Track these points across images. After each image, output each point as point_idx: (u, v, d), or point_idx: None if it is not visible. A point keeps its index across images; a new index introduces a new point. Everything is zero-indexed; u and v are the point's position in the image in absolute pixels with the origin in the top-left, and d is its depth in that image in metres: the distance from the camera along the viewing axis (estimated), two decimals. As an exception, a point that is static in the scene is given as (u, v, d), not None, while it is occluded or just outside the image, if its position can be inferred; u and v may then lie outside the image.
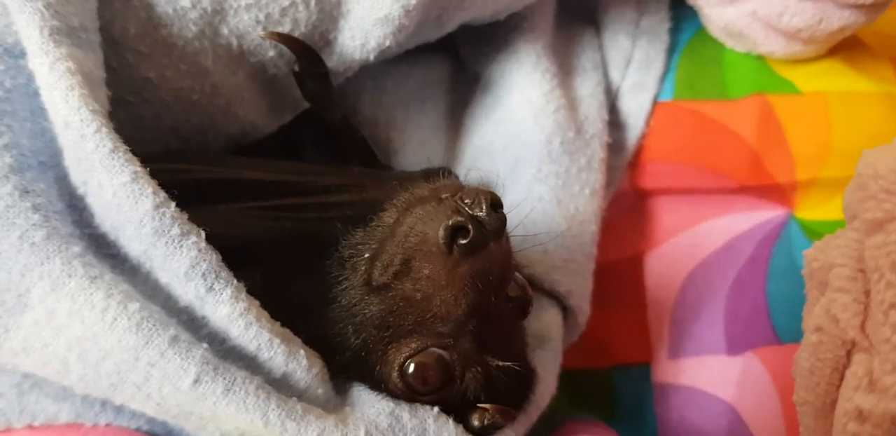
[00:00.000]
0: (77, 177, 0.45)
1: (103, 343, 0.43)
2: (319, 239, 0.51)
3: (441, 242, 0.44)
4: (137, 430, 0.51)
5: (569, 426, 0.61)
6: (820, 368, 0.41)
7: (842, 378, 0.40)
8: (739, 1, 0.67)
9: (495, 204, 0.45)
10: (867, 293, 0.39)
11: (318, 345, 0.48)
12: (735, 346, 0.65)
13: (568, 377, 0.67)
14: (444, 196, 0.46)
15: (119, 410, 0.50)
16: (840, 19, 0.65)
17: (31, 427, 0.50)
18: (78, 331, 0.43)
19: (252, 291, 0.46)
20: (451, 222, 0.44)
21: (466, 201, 0.45)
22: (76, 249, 0.43)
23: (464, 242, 0.44)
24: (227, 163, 0.57)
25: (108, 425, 0.50)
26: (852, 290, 0.39)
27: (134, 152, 0.45)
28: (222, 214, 0.53)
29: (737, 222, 0.69)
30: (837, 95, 0.69)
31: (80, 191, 0.46)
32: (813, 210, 0.67)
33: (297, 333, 0.47)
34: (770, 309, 0.66)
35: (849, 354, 0.39)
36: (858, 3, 0.64)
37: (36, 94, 0.46)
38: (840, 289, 0.40)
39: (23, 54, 0.46)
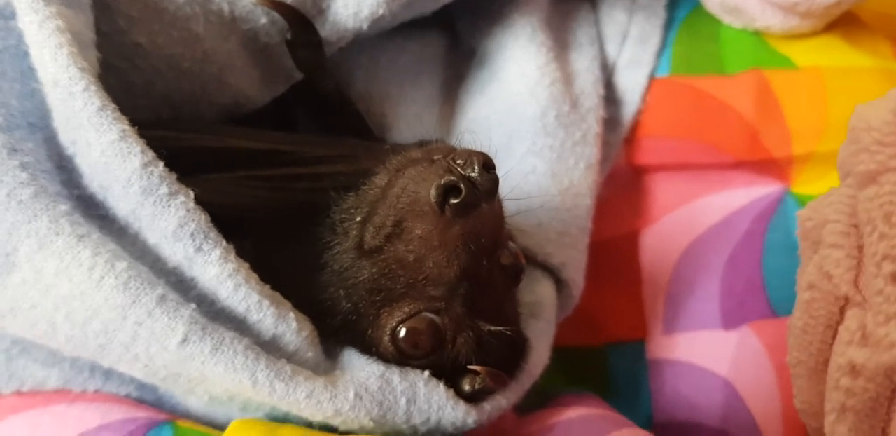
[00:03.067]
0: (65, 136, 0.45)
1: (90, 302, 0.42)
2: (312, 209, 0.51)
3: (433, 201, 0.44)
4: (126, 396, 0.51)
5: (561, 399, 0.61)
6: (813, 325, 0.40)
7: (835, 335, 0.40)
8: (736, -25, 0.67)
9: (487, 165, 0.45)
10: (860, 248, 0.38)
11: (310, 309, 0.48)
12: (731, 320, 0.65)
13: (563, 354, 0.67)
14: (436, 157, 0.46)
15: (108, 376, 0.50)
16: (837, -8, 0.65)
17: (19, 393, 0.50)
18: (65, 290, 0.42)
19: (243, 256, 0.46)
20: (442, 181, 0.44)
21: (459, 162, 0.45)
22: (64, 207, 0.43)
23: (456, 201, 0.44)
24: (220, 132, 0.57)
25: (96, 391, 0.51)
26: (845, 245, 0.39)
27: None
28: (214, 182, 0.53)
29: (733, 198, 0.68)
30: (834, 70, 0.68)
31: (69, 151, 0.45)
32: (809, 185, 0.67)
33: (287, 298, 0.47)
34: (766, 283, 0.65)
35: (842, 310, 0.39)
36: (855, -24, 0.64)
37: (26, 55, 0.46)
38: (833, 245, 0.39)
39: (13, 15, 0.46)
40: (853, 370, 0.37)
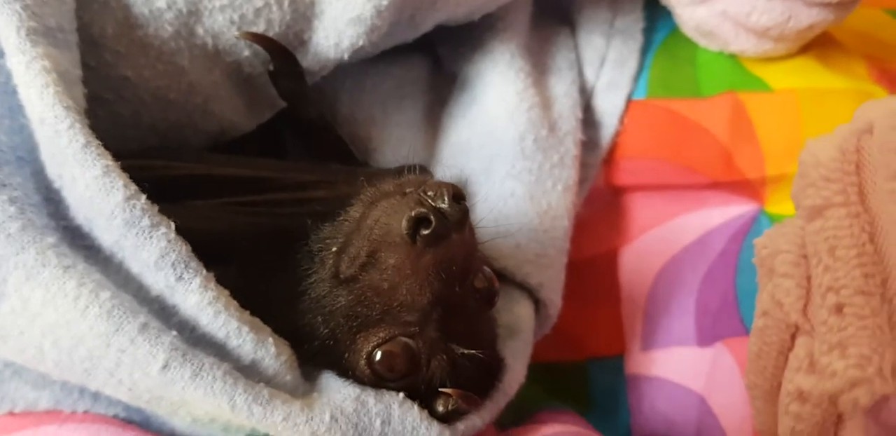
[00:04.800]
0: (52, 171, 0.47)
1: (76, 330, 0.44)
2: (293, 234, 0.53)
3: (404, 232, 0.46)
4: (115, 417, 0.52)
5: (539, 416, 0.62)
6: (766, 351, 0.42)
7: (787, 361, 0.41)
8: (710, 0, 0.69)
9: (457, 196, 0.47)
10: (809, 278, 0.40)
11: (289, 334, 0.49)
12: (705, 337, 0.67)
13: (545, 370, 0.69)
14: (408, 190, 0.48)
15: (96, 397, 0.52)
16: (808, 17, 0.66)
17: (11, 414, 0.52)
18: (51, 318, 0.44)
19: (225, 282, 0.48)
20: (413, 214, 0.45)
21: (429, 194, 0.46)
22: (51, 239, 0.45)
23: (426, 232, 0.46)
24: (205, 160, 0.59)
25: (86, 411, 0.52)
26: (795, 275, 0.40)
27: (110, 148, 0.46)
28: (198, 209, 0.55)
29: (709, 218, 0.70)
30: (808, 92, 0.70)
31: (56, 184, 0.47)
32: (782, 205, 0.68)
33: (267, 323, 0.49)
34: (739, 302, 0.67)
35: (793, 337, 0.41)
36: (826, 0, 0.65)
37: (14, 91, 0.48)
38: (784, 274, 0.41)
39: (1, 54, 0.48)
40: (801, 396, 0.38)
